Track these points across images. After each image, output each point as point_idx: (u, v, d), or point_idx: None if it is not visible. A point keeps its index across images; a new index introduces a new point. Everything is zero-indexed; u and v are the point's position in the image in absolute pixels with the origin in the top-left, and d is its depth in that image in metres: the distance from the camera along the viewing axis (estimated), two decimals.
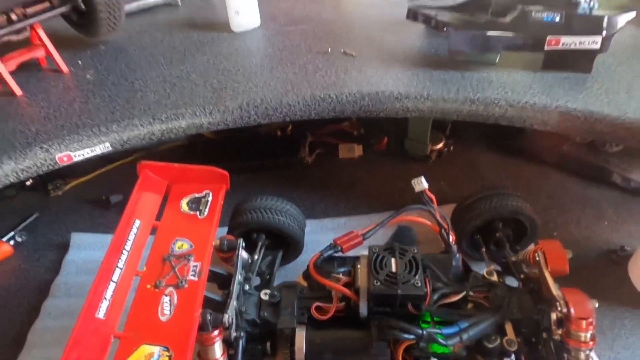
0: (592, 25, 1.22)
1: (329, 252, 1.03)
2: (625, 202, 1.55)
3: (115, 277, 0.90)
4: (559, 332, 0.88)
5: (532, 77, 1.31)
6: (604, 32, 1.21)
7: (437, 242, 1.16)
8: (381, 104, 1.27)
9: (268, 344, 0.98)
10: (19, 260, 1.48)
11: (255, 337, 0.98)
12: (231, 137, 1.82)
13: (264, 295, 1.02)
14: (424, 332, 0.86)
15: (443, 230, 1.09)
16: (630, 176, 1.56)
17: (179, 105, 1.27)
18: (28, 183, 1.70)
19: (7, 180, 1.12)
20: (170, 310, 0.86)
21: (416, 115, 1.31)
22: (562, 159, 1.70)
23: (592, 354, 0.88)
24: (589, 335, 0.86)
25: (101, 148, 1.20)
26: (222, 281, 1.05)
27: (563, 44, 1.24)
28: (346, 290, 0.96)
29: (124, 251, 0.94)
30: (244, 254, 1.07)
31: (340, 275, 1.02)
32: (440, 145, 1.76)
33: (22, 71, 1.41)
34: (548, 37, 1.24)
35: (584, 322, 0.85)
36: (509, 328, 0.94)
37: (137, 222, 1.00)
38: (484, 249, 1.21)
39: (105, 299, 0.86)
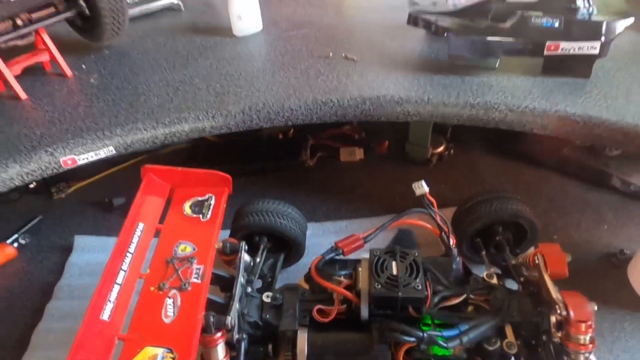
0: (591, 30, 1.23)
1: (331, 255, 1.04)
2: (624, 205, 1.56)
3: (119, 280, 0.91)
4: (559, 334, 0.89)
5: (532, 82, 1.32)
6: (603, 38, 1.22)
7: (437, 245, 1.17)
8: (382, 108, 1.28)
9: (270, 346, 0.99)
10: (23, 262, 1.49)
11: (257, 339, 0.99)
12: (233, 140, 1.83)
13: (266, 297, 1.03)
14: (425, 334, 0.87)
15: (443, 233, 1.09)
16: (630, 180, 1.57)
17: (182, 109, 1.28)
18: (31, 186, 1.71)
19: (12, 184, 1.14)
20: (173, 312, 0.87)
21: (417, 119, 1.32)
22: (562, 163, 1.71)
23: (592, 357, 0.88)
24: (588, 338, 0.86)
25: (105, 152, 1.21)
26: (224, 284, 1.06)
27: (562, 49, 1.25)
28: (347, 293, 0.96)
29: (127, 254, 0.95)
30: (246, 257, 1.08)
31: (342, 278, 1.03)
32: (440, 149, 1.78)
33: (27, 75, 1.42)
34: (547, 43, 1.25)
35: (583, 325, 0.86)
36: (509, 331, 0.95)
37: (141, 225, 1.01)
38: (484, 252, 1.22)
39: (110, 301, 0.87)
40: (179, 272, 0.93)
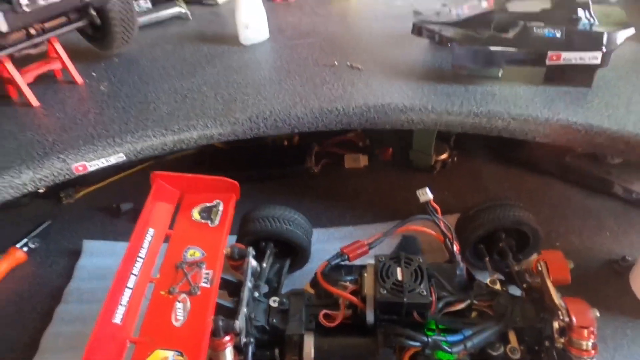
0: (592, 41, 1.25)
1: (336, 261, 1.06)
2: (626, 213, 1.57)
3: (130, 284, 0.93)
4: (561, 340, 0.90)
5: (534, 91, 1.34)
6: (604, 48, 1.24)
7: (441, 251, 1.19)
8: (387, 116, 1.31)
9: (277, 350, 1.01)
10: (32, 266, 1.51)
11: (264, 343, 1.01)
12: (239, 146, 1.84)
13: (273, 302, 1.05)
14: (430, 339, 0.89)
15: (447, 239, 1.11)
16: (632, 187, 1.58)
17: (190, 116, 1.31)
18: (41, 191, 1.73)
19: (25, 189, 1.16)
20: (183, 316, 0.89)
21: (421, 128, 1.34)
22: (564, 170, 1.72)
23: None
24: (590, 344, 0.88)
25: (116, 158, 1.23)
26: (232, 288, 1.08)
27: (564, 59, 1.28)
28: (353, 298, 0.98)
29: (138, 258, 0.98)
30: (253, 262, 1.09)
31: (348, 284, 1.04)
32: (444, 156, 1.79)
33: (39, 83, 1.45)
34: (549, 53, 1.27)
35: (585, 331, 0.87)
36: (512, 336, 0.96)
37: (151, 231, 1.04)
38: (487, 259, 1.24)
39: (122, 304, 0.89)
40: (189, 277, 0.95)
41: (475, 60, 1.35)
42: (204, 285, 0.94)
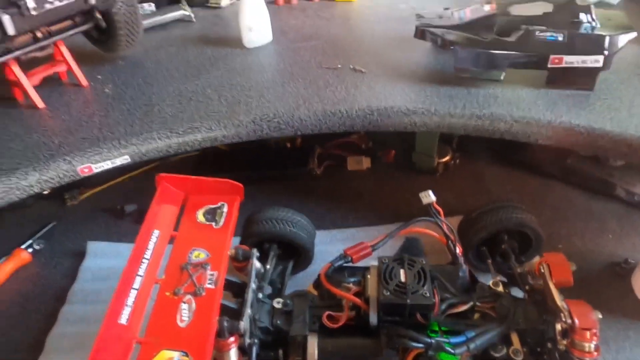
0: (594, 44, 1.26)
1: (340, 262, 1.06)
2: (629, 215, 1.57)
3: (136, 285, 0.94)
4: (564, 342, 0.91)
5: (537, 94, 1.35)
6: (606, 52, 1.25)
7: (444, 253, 1.19)
8: (390, 119, 1.31)
9: (280, 351, 1.02)
10: (37, 267, 1.52)
11: (268, 344, 1.01)
12: (242, 148, 1.85)
13: (277, 303, 1.05)
14: (433, 340, 0.89)
15: (450, 242, 1.12)
16: (634, 190, 1.59)
17: (195, 119, 1.32)
18: (45, 192, 1.74)
19: (31, 191, 1.17)
20: (188, 316, 0.90)
21: (424, 130, 1.35)
22: (566, 173, 1.73)
23: None
24: (593, 345, 0.88)
25: (121, 160, 1.24)
26: (236, 289, 1.08)
27: (566, 63, 1.28)
28: (357, 300, 0.99)
29: (144, 260, 0.98)
30: (257, 264, 1.10)
31: (351, 285, 1.05)
32: (447, 159, 1.80)
33: (44, 85, 1.46)
34: (551, 56, 1.28)
35: (588, 333, 0.88)
36: (514, 338, 0.97)
37: (156, 232, 1.05)
38: (490, 261, 1.24)
39: (127, 305, 0.90)
40: (194, 278, 0.96)
41: (477, 63, 1.35)
42: (208, 286, 0.95)
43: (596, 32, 1.29)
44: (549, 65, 1.30)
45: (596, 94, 1.33)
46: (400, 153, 1.88)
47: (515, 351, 0.94)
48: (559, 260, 1.03)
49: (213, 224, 1.09)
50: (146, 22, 1.86)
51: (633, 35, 1.28)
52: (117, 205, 1.71)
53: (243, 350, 0.95)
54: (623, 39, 1.27)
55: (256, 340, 0.97)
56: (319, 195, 1.76)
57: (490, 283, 1.08)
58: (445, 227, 1.10)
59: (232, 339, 0.90)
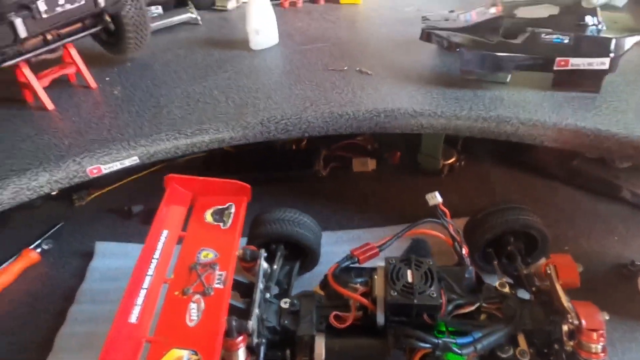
0: (600, 47, 1.27)
1: (347, 263, 1.07)
2: (635, 217, 1.57)
3: (145, 284, 0.95)
4: (571, 343, 0.91)
5: (543, 96, 1.35)
6: (612, 54, 1.25)
7: (450, 254, 1.20)
8: (397, 120, 1.32)
9: (288, 351, 1.02)
10: (46, 267, 1.53)
11: (275, 344, 1.02)
12: (248, 150, 1.87)
13: (284, 303, 1.06)
14: (440, 341, 0.90)
15: (456, 243, 1.13)
16: None
17: (202, 120, 1.33)
18: (53, 193, 1.75)
19: (41, 191, 1.19)
20: (197, 316, 0.91)
21: (430, 132, 1.36)
22: (572, 174, 1.73)
23: None
24: (599, 346, 0.89)
25: (130, 161, 1.26)
26: (244, 289, 1.09)
27: (572, 65, 1.29)
28: (364, 300, 0.99)
29: (153, 260, 1.00)
30: (264, 264, 1.11)
31: (358, 285, 1.06)
32: (452, 160, 1.80)
33: (53, 87, 1.48)
34: (557, 58, 1.29)
35: (595, 334, 0.88)
36: (521, 339, 0.97)
37: (165, 232, 1.06)
38: (496, 262, 1.24)
39: (137, 304, 0.91)
40: (202, 278, 0.97)
41: (483, 65, 1.36)
42: (217, 286, 0.96)
43: (602, 34, 1.29)
44: (555, 68, 1.31)
45: (602, 97, 1.33)
46: (406, 155, 1.88)
47: (522, 352, 0.94)
48: (566, 261, 1.03)
49: (221, 224, 1.10)
50: (153, 25, 1.87)
51: (639, 37, 1.29)
52: (125, 206, 1.72)
53: (251, 350, 0.95)
54: (629, 42, 1.28)
55: (264, 340, 0.98)
56: (324, 196, 1.76)
57: (496, 284, 1.08)
58: (451, 229, 1.11)
59: (240, 338, 0.91)
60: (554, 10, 1.41)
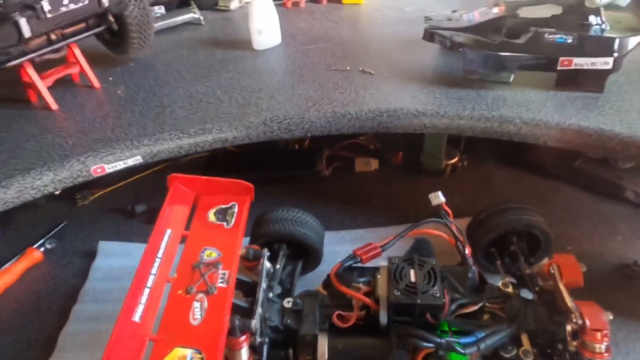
0: (603, 46, 1.26)
1: (350, 263, 1.07)
2: (638, 217, 1.57)
3: (149, 283, 0.95)
4: (574, 343, 0.91)
5: (546, 96, 1.35)
6: (616, 54, 1.25)
7: (453, 254, 1.20)
8: (399, 120, 1.32)
9: (290, 351, 1.02)
10: (49, 266, 1.54)
11: (278, 344, 1.02)
12: (250, 149, 1.88)
13: (287, 303, 1.06)
14: (443, 340, 0.90)
15: (459, 243, 1.12)
16: None
17: (206, 120, 1.33)
18: (57, 193, 1.76)
19: (45, 190, 1.19)
20: (201, 315, 0.91)
21: (433, 132, 1.36)
22: (574, 175, 1.72)
23: None
24: (603, 346, 0.88)
25: (133, 161, 1.26)
26: (247, 289, 1.09)
27: (575, 65, 1.29)
28: (367, 299, 1.00)
29: (156, 259, 1.00)
30: (267, 264, 1.11)
31: (361, 285, 1.06)
32: (454, 160, 1.80)
33: (57, 87, 1.49)
34: (561, 58, 1.29)
35: (598, 334, 0.88)
36: (525, 339, 0.97)
37: (169, 232, 1.06)
38: (499, 262, 1.24)
39: (141, 303, 0.91)
40: (206, 277, 0.97)
41: (486, 65, 1.36)
42: (220, 285, 0.96)
43: (606, 34, 1.29)
44: (558, 68, 1.31)
45: (605, 96, 1.33)
46: (408, 155, 1.88)
47: (526, 352, 0.94)
48: (569, 261, 1.03)
49: (224, 223, 1.11)
50: (156, 25, 1.87)
51: None
52: (128, 205, 1.73)
53: (254, 349, 0.95)
54: (633, 41, 1.27)
55: (266, 339, 0.98)
56: (327, 196, 1.76)
57: (499, 284, 1.08)
58: (454, 229, 1.11)
59: (243, 337, 0.91)
60: (557, 10, 1.41)
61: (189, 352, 0.85)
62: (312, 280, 1.31)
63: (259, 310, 0.97)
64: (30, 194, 1.17)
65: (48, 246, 1.59)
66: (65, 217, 1.70)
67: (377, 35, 1.84)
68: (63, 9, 1.30)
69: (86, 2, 1.35)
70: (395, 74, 1.51)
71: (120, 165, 1.26)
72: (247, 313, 0.95)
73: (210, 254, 1.03)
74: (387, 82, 1.47)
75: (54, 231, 1.63)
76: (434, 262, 1.01)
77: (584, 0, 1.35)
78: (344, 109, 1.34)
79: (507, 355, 0.94)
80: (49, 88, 1.44)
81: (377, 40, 1.80)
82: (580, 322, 0.89)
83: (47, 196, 1.73)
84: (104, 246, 1.57)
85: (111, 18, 1.47)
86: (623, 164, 1.66)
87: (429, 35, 1.50)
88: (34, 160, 1.20)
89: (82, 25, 1.44)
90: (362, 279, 1.08)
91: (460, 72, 1.43)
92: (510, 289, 1.06)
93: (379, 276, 1.01)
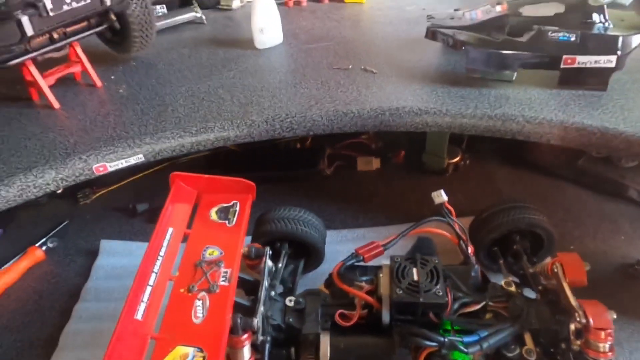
0: (607, 44, 1.26)
1: (352, 261, 1.07)
2: None
3: (151, 281, 0.95)
4: (578, 342, 0.90)
5: (549, 94, 1.34)
6: (619, 52, 1.25)
7: (455, 253, 1.20)
8: (401, 119, 1.32)
9: (292, 349, 1.02)
10: (51, 265, 1.54)
11: (280, 342, 1.02)
12: (252, 148, 1.87)
13: (289, 301, 1.06)
14: (446, 339, 0.89)
15: (462, 241, 1.12)
16: None
17: (208, 119, 1.33)
18: (59, 191, 1.76)
19: (47, 189, 1.19)
20: (203, 313, 0.91)
21: (435, 130, 1.35)
22: (577, 174, 1.72)
23: None
24: (607, 345, 0.88)
25: (135, 159, 1.26)
26: (249, 287, 1.09)
27: (579, 63, 1.28)
28: (369, 298, 0.99)
29: (158, 257, 1.00)
30: (269, 262, 1.11)
31: (363, 284, 1.05)
32: (456, 159, 1.80)
33: (59, 85, 1.49)
34: (564, 56, 1.28)
35: (602, 333, 0.87)
36: (528, 338, 0.96)
37: (170, 230, 1.06)
38: (501, 261, 1.24)
39: (143, 302, 0.91)
40: (208, 275, 0.97)
41: (489, 63, 1.35)
42: (222, 283, 0.96)
43: (609, 32, 1.28)
44: (562, 66, 1.30)
45: (609, 95, 1.32)
46: (410, 154, 1.88)
47: (529, 351, 0.94)
48: (573, 259, 1.02)
49: (226, 222, 1.11)
50: (158, 24, 1.88)
51: None
52: (129, 204, 1.73)
53: (256, 348, 0.95)
54: (636, 39, 1.27)
55: (269, 338, 0.98)
56: (328, 195, 1.76)
57: (502, 283, 1.07)
58: (457, 227, 1.11)
59: (245, 336, 0.91)
60: (560, 8, 1.40)
61: (190, 350, 0.85)
62: (314, 279, 1.31)
63: (261, 308, 0.96)
64: (33, 192, 1.18)
65: (50, 245, 1.59)
66: (67, 215, 1.70)
67: (379, 34, 1.84)
68: (65, 8, 1.30)
69: (88, 0, 1.35)
70: (397, 73, 1.51)
71: (122, 164, 1.26)
72: (249, 311, 0.95)
73: (212, 252, 1.03)
74: (389, 81, 1.47)
75: (56, 230, 1.63)
76: (437, 261, 1.01)
77: None
78: (346, 108, 1.34)
79: (510, 355, 0.94)
80: (51, 87, 1.44)
81: (379, 39, 1.79)
82: (584, 321, 0.88)
83: (49, 195, 1.73)
84: (106, 245, 1.58)
85: (113, 17, 1.47)
86: (626, 163, 1.65)
87: (432, 33, 1.50)
88: (36, 159, 1.20)
89: (84, 23, 1.44)
90: (364, 278, 1.08)
91: (462, 70, 1.43)
92: (513, 288, 1.06)
93: (381, 275, 1.01)
